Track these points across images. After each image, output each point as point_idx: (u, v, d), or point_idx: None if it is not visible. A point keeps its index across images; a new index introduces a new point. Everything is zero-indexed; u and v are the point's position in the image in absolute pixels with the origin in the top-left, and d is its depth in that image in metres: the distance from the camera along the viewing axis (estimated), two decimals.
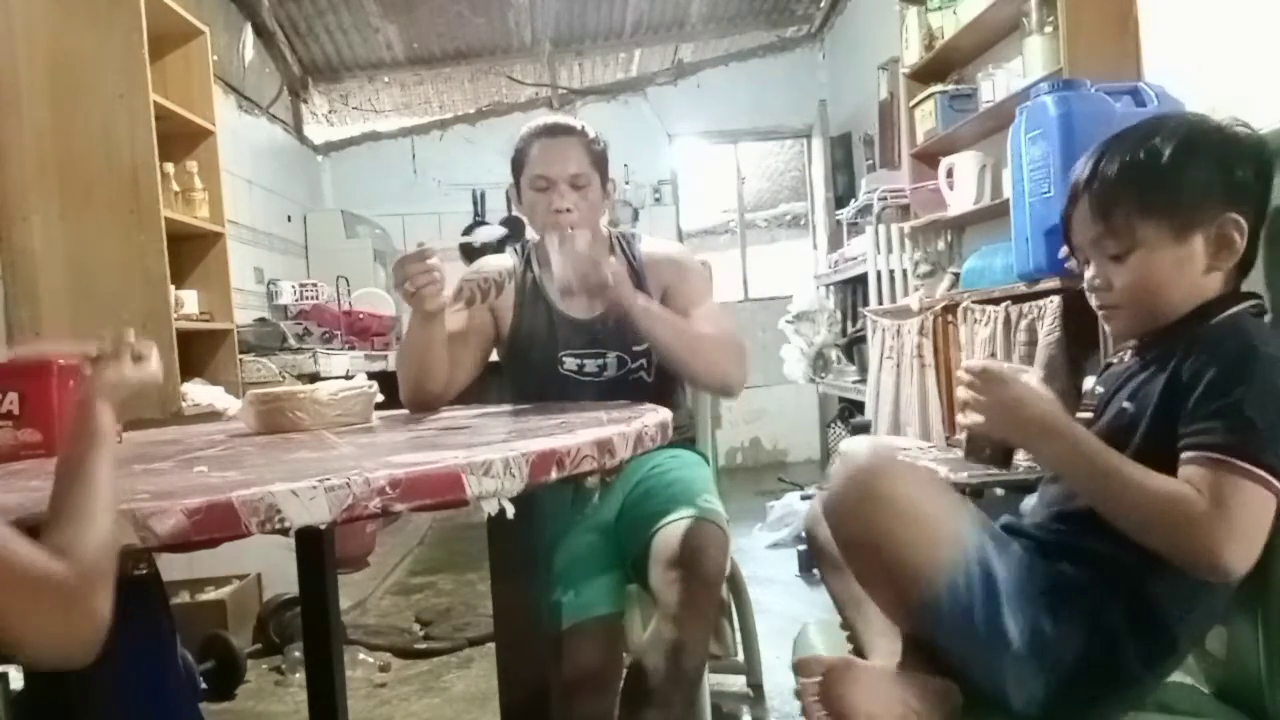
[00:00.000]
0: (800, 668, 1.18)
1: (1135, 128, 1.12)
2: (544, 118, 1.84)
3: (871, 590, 1.14)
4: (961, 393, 1.13)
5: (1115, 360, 1.19)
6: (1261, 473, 0.95)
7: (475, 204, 6.08)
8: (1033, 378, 1.15)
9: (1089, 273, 1.13)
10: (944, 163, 3.48)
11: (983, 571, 1.03)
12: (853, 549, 1.14)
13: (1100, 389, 1.18)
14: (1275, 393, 0.97)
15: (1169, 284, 1.07)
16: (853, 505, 1.09)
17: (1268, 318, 1.09)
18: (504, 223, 5.77)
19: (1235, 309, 1.06)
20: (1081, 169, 1.13)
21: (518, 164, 1.79)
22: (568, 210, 1.72)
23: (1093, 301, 1.15)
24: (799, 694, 1.17)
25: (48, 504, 0.82)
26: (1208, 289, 1.07)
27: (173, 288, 2.92)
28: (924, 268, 3.75)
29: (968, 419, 1.14)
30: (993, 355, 2.53)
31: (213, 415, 2.71)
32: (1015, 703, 1.04)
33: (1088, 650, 1.03)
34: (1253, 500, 0.95)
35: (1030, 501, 1.23)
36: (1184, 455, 0.99)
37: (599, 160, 1.78)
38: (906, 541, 1.05)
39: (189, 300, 3.16)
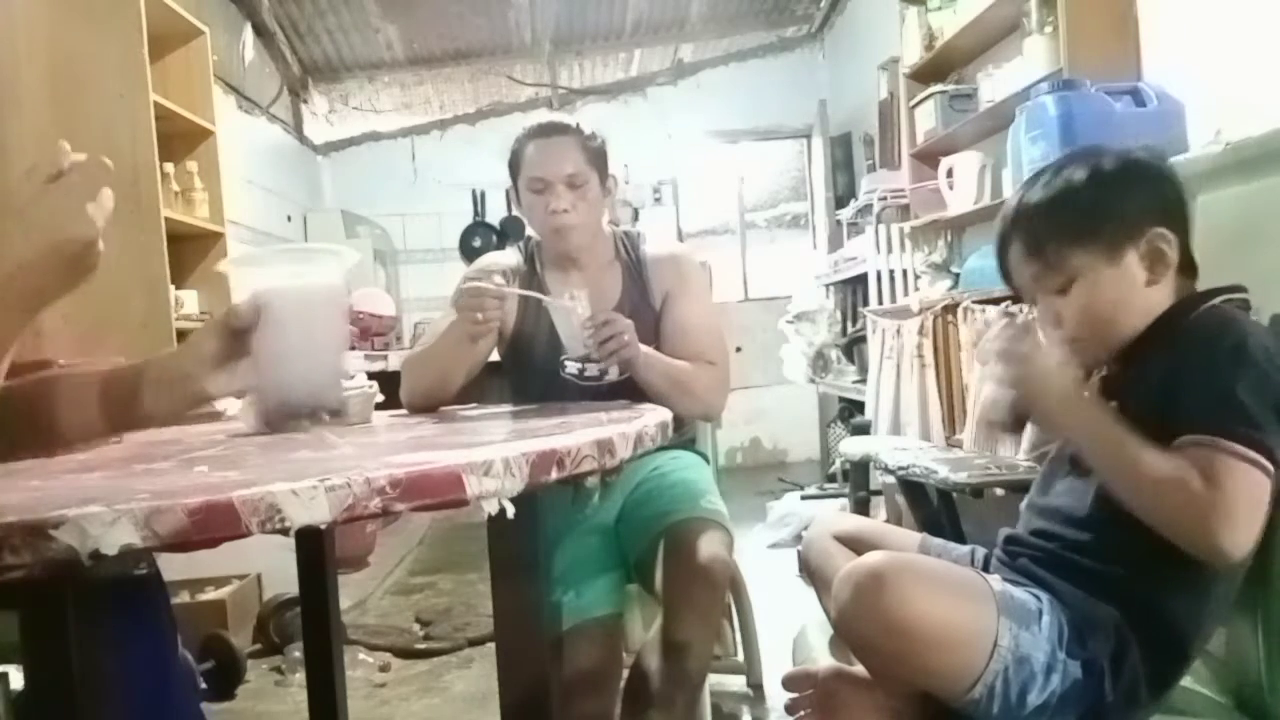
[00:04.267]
0: (789, 683, 1.18)
1: (1046, 168, 1.17)
2: (539, 118, 1.82)
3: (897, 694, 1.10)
4: (990, 345, 1.14)
5: (1101, 372, 1.20)
6: (1255, 454, 0.96)
7: (475, 204, 6.09)
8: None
9: (1038, 312, 1.17)
10: (944, 163, 3.48)
11: (1016, 660, 1.01)
12: (873, 668, 1.10)
13: (1087, 395, 1.18)
14: (1265, 376, 0.99)
15: (1116, 304, 1.10)
16: (865, 630, 1.03)
17: (1260, 319, 1.10)
18: (504, 223, 5.80)
19: (1213, 302, 1.08)
20: (1005, 215, 1.18)
21: (514, 166, 1.78)
22: (565, 211, 1.71)
23: (1051, 339, 1.17)
24: (790, 708, 1.17)
25: None
26: (1156, 302, 1.10)
27: (173, 288, 2.93)
28: (934, 258, 3.76)
29: (995, 372, 1.14)
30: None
31: (213, 415, 2.71)
32: None
33: (1115, 683, 1.03)
34: (1247, 482, 0.96)
35: (1025, 501, 1.23)
36: (1179, 439, 1.00)
37: (596, 158, 1.76)
38: (929, 663, 1.01)
39: (189, 300, 3.16)
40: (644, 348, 1.66)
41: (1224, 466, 0.96)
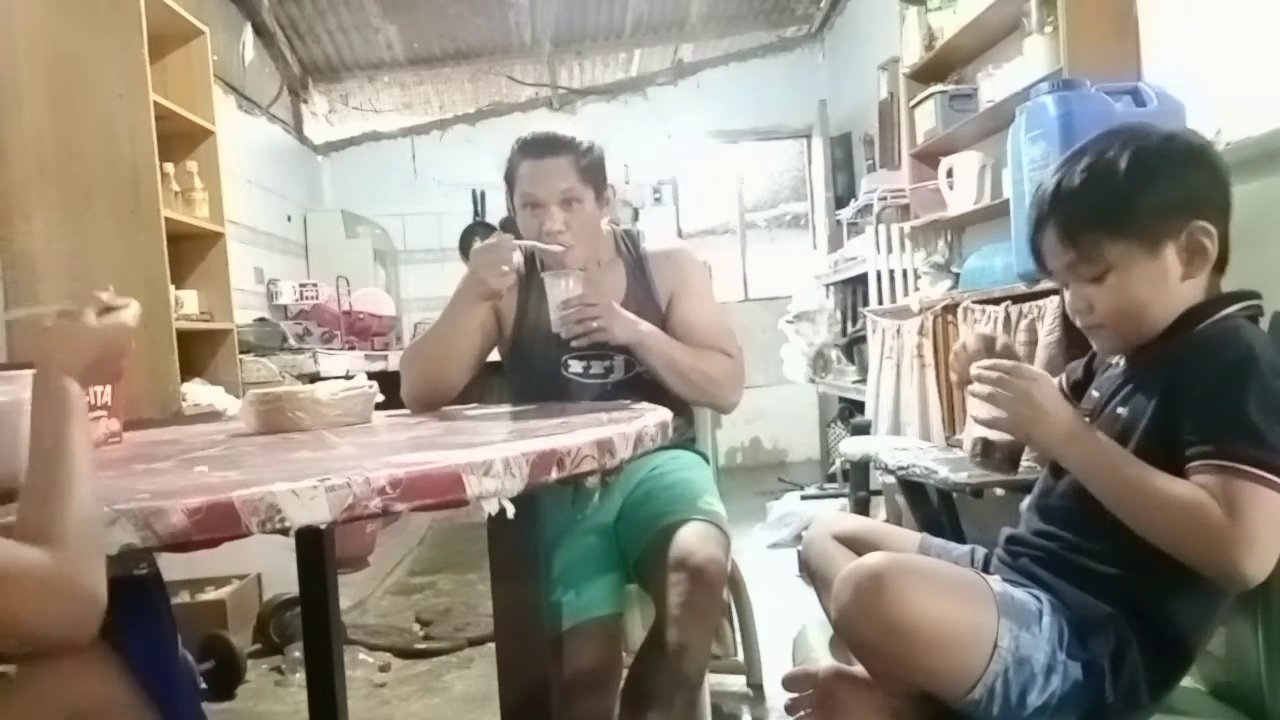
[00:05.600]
0: (789, 683, 1.18)
1: (1084, 148, 1.12)
2: (533, 129, 1.78)
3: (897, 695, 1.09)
4: (980, 388, 1.11)
5: (1112, 363, 1.19)
6: (1273, 477, 0.94)
7: (475, 204, 6.09)
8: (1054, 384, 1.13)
9: (1069, 297, 1.14)
10: (944, 163, 3.48)
11: (1016, 661, 1.00)
12: (873, 669, 1.09)
13: (1095, 393, 1.18)
14: (1275, 394, 0.97)
15: (1149, 299, 1.07)
16: (865, 631, 1.02)
17: (1264, 321, 1.09)
18: (503, 223, 5.80)
19: (1226, 311, 1.06)
20: (1042, 196, 1.13)
21: (510, 180, 1.78)
22: (560, 232, 1.71)
23: (1077, 323, 1.15)
24: (790, 708, 1.17)
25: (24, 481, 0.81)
26: (1188, 297, 1.08)
27: (173, 288, 2.92)
28: (937, 258, 3.76)
29: (988, 414, 1.12)
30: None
31: (213, 415, 2.71)
32: None
33: (1115, 684, 1.03)
34: (1268, 506, 0.94)
35: (1027, 502, 1.23)
36: (1193, 464, 0.98)
37: (591, 172, 1.74)
38: (929, 664, 1.00)
39: (189, 300, 3.16)
40: (646, 326, 1.66)
41: (1243, 492, 0.94)
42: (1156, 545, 0.99)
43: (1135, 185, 1.05)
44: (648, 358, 1.67)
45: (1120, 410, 1.10)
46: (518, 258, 1.86)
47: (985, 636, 1.00)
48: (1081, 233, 1.08)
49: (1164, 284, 1.06)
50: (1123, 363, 1.16)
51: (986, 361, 1.14)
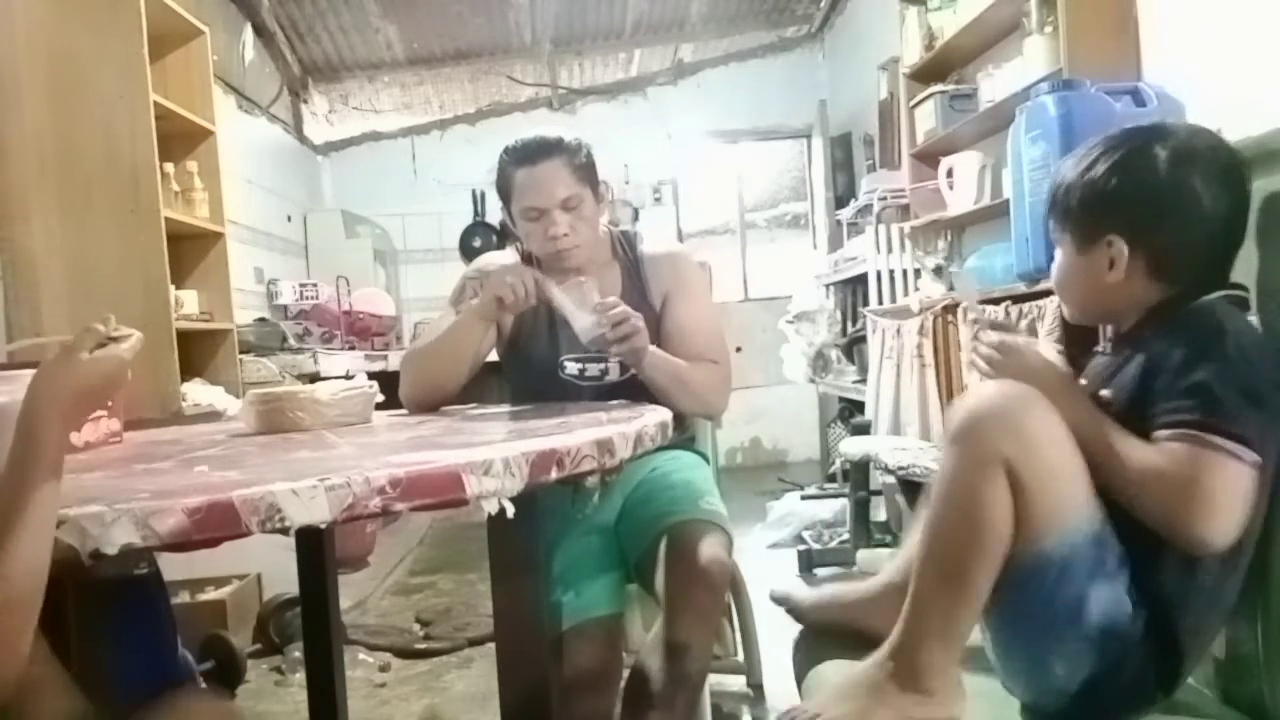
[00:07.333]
0: (780, 600, 1.23)
1: (1134, 141, 1.15)
2: (519, 136, 1.76)
3: (962, 529, 1.04)
4: (978, 361, 1.19)
5: (1101, 350, 1.23)
6: (1234, 446, 0.97)
7: (475, 204, 6.09)
8: (1047, 348, 1.18)
9: None
10: (944, 163, 3.48)
11: (1094, 543, 1.01)
12: (978, 464, 1.04)
13: (1084, 380, 1.20)
14: (1243, 367, 0.99)
15: (1075, 283, 1.18)
16: (994, 430, 1.01)
17: (1252, 315, 1.10)
18: (503, 223, 5.79)
19: (1201, 300, 1.08)
20: (1079, 163, 1.21)
21: (504, 191, 1.76)
22: (565, 235, 1.71)
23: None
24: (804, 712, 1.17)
25: None
26: (1129, 297, 1.13)
27: (173, 288, 2.93)
28: (941, 259, 3.78)
29: (986, 368, 1.19)
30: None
31: (213, 415, 2.71)
32: (1051, 681, 1.03)
33: (1128, 661, 1.03)
34: (1226, 473, 0.97)
35: None
36: (1158, 433, 1.01)
37: (586, 173, 1.73)
38: (1039, 479, 1.00)
39: (189, 300, 3.16)
40: (652, 354, 1.66)
41: (1203, 458, 0.97)
42: (1126, 508, 1.01)
43: (1086, 186, 1.14)
44: (652, 374, 1.66)
45: (1105, 393, 1.12)
46: (513, 259, 1.86)
47: (1084, 493, 1.02)
48: (1051, 211, 1.20)
49: (1088, 277, 1.15)
50: (1109, 350, 1.19)
51: (983, 335, 1.21)
